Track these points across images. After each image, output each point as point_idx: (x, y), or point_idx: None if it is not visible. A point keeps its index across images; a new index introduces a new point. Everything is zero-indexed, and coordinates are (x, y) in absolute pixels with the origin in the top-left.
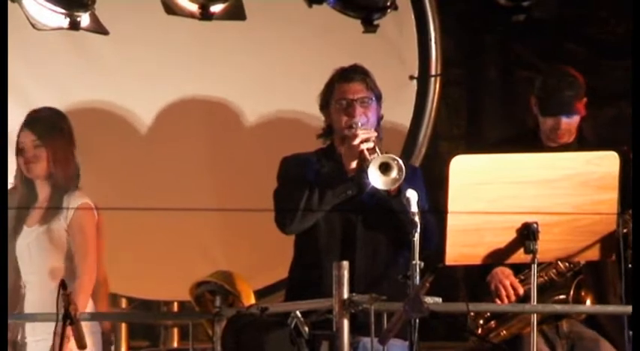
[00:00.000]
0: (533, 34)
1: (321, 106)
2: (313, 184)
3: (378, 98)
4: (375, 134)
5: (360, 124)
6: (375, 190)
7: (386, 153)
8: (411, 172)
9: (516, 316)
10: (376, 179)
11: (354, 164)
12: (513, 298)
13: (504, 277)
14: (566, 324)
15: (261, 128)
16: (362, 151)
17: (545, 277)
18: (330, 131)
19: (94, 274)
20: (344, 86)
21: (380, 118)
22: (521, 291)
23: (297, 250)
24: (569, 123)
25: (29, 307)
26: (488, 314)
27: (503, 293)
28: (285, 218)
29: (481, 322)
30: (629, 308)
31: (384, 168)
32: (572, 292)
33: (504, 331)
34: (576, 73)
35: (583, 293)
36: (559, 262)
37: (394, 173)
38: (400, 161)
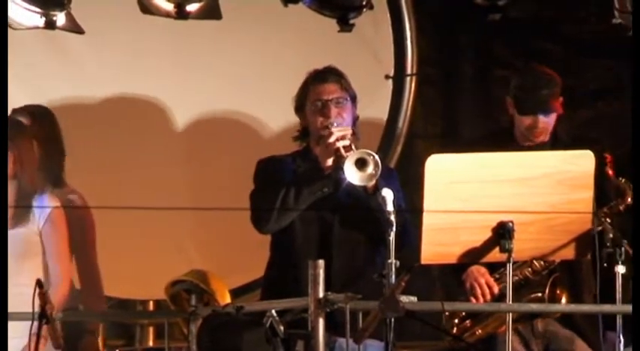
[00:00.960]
0: (510, 33)
1: (296, 108)
2: (289, 183)
3: (353, 99)
4: (351, 131)
5: (335, 124)
6: (352, 189)
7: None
8: (387, 172)
9: (491, 315)
10: (353, 175)
11: (329, 162)
12: (488, 296)
13: (479, 275)
14: (541, 323)
15: (236, 128)
16: (338, 148)
17: (521, 276)
18: (305, 133)
19: (68, 278)
20: (318, 87)
21: (355, 118)
22: (496, 289)
23: (273, 249)
24: (547, 122)
25: None
26: (464, 313)
27: (479, 292)
28: (262, 217)
29: (456, 321)
30: (604, 307)
31: (360, 164)
32: (547, 291)
33: (479, 331)
34: (552, 72)
35: (558, 291)
36: (534, 261)
37: (370, 169)
38: (376, 156)
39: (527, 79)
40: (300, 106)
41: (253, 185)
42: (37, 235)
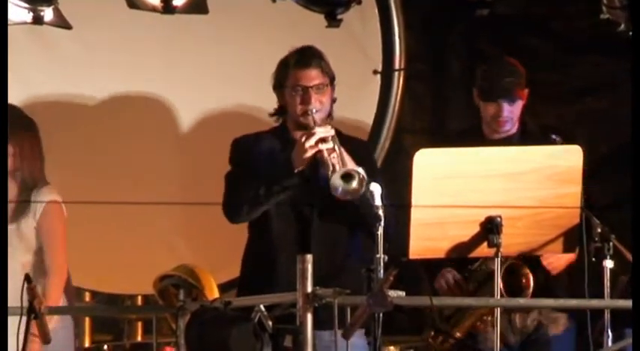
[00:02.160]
0: (498, 29)
1: (274, 86)
2: (260, 180)
3: (332, 81)
4: (332, 133)
5: (314, 110)
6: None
7: (347, 159)
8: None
9: (466, 315)
10: (337, 186)
11: (302, 165)
12: (451, 280)
13: (446, 272)
14: (520, 319)
15: (224, 123)
16: (320, 151)
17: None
18: (282, 111)
19: (65, 271)
20: (299, 72)
21: (333, 100)
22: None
23: (249, 240)
24: (511, 110)
25: None
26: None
27: (442, 281)
28: (232, 207)
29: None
30: (592, 302)
31: (347, 177)
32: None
33: (458, 334)
34: (517, 62)
35: (523, 280)
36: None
37: (355, 184)
38: (362, 173)
39: (492, 67)
40: (278, 85)
41: (230, 166)
42: (33, 228)
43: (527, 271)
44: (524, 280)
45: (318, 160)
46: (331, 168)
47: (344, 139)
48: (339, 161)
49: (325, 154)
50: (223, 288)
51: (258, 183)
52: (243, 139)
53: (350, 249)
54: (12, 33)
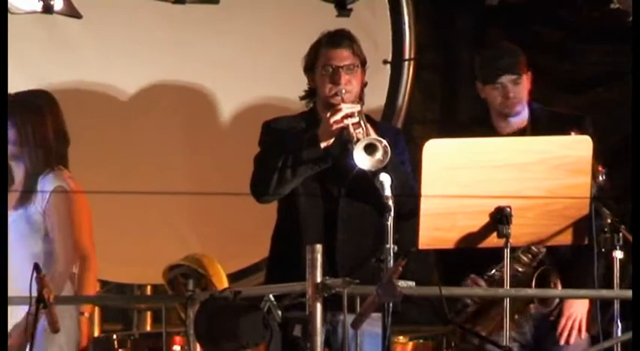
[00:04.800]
0: (507, 18)
1: (305, 68)
2: (287, 156)
3: (363, 64)
4: (359, 108)
5: (344, 91)
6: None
7: (372, 134)
8: (394, 135)
9: (490, 316)
10: (361, 159)
11: (331, 141)
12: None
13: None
14: (534, 308)
15: (235, 113)
16: (347, 126)
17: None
18: (312, 93)
19: (71, 257)
20: (330, 52)
21: (364, 84)
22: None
23: (277, 221)
24: (517, 90)
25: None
26: (465, 315)
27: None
28: (260, 186)
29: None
30: (602, 292)
31: (370, 149)
32: (533, 284)
33: (482, 331)
34: (517, 48)
35: (552, 284)
36: (521, 256)
37: (379, 155)
38: (385, 143)
39: (488, 53)
40: (309, 67)
41: (259, 148)
42: (40, 215)
43: (557, 279)
44: (552, 286)
45: (344, 138)
46: (355, 141)
47: (373, 122)
48: (365, 136)
49: (351, 129)
50: (233, 278)
51: (286, 159)
52: (272, 121)
53: (379, 231)
54: (22, 22)
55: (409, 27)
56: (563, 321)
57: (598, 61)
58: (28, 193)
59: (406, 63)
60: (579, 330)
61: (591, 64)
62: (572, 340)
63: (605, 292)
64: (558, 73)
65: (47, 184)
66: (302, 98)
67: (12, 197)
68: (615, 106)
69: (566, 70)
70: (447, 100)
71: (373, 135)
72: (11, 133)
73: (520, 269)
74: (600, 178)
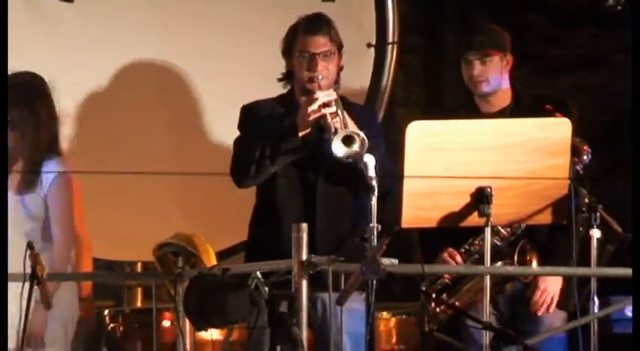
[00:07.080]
0: (493, 2)
1: (283, 51)
2: (266, 146)
3: (340, 48)
4: (335, 96)
5: (320, 77)
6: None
7: (350, 124)
8: (367, 116)
9: (466, 287)
10: (339, 150)
11: (306, 129)
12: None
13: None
14: (510, 285)
15: (219, 95)
16: (324, 115)
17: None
18: (290, 76)
19: (71, 242)
20: (308, 39)
21: (341, 68)
22: (458, 258)
23: (256, 206)
24: (483, 69)
25: None
26: (440, 286)
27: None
28: (240, 171)
29: (434, 295)
30: (579, 269)
31: (347, 140)
32: (516, 257)
33: (456, 302)
34: (500, 29)
35: (528, 257)
36: (500, 229)
37: (356, 146)
38: (363, 136)
39: (467, 31)
40: (287, 51)
41: (239, 132)
42: (41, 198)
43: (534, 255)
44: (528, 259)
45: (322, 126)
46: (333, 131)
47: (348, 106)
48: (342, 126)
49: (329, 118)
50: (221, 256)
51: (265, 145)
52: (251, 105)
53: (356, 213)
54: (12, 7)
55: (393, 10)
56: (537, 294)
57: (583, 45)
58: (28, 179)
59: (390, 46)
60: (549, 304)
61: (576, 49)
62: (541, 312)
63: (582, 270)
64: (543, 57)
65: (51, 168)
66: (280, 80)
67: (11, 182)
68: (598, 89)
69: (552, 54)
70: (431, 83)
71: (351, 126)
72: (14, 114)
73: (498, 243)
74: (585, 157)
